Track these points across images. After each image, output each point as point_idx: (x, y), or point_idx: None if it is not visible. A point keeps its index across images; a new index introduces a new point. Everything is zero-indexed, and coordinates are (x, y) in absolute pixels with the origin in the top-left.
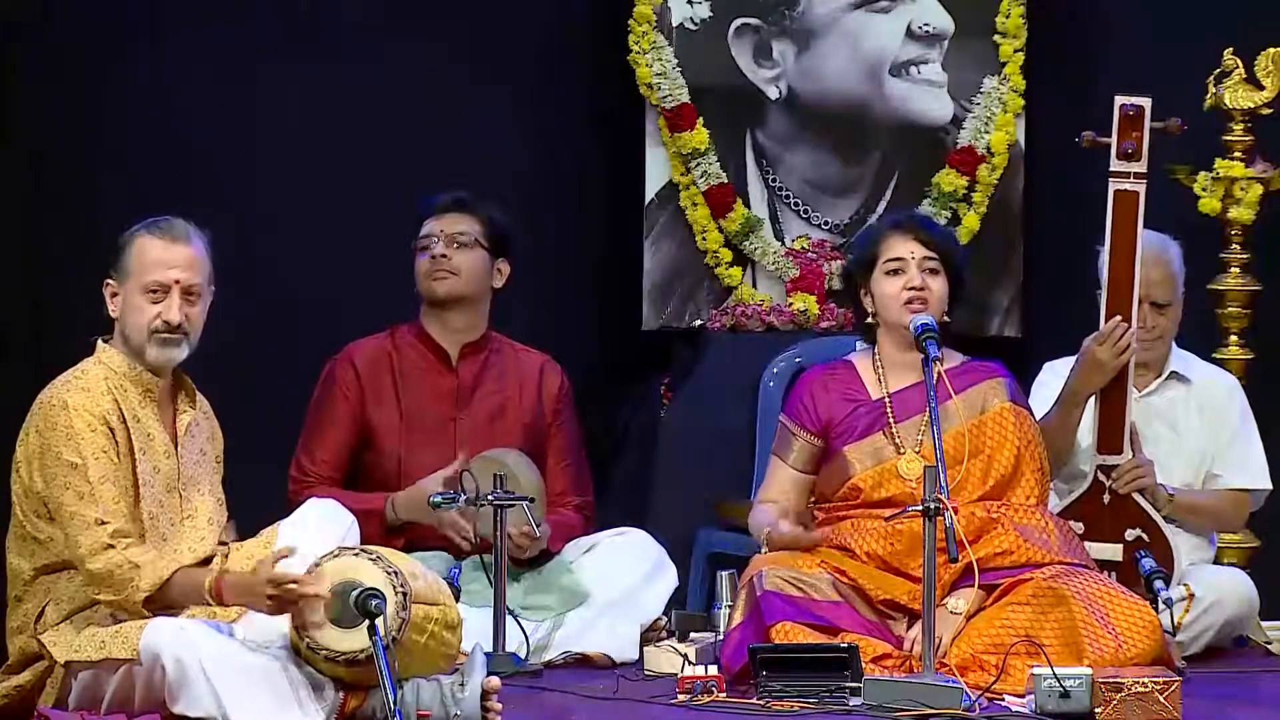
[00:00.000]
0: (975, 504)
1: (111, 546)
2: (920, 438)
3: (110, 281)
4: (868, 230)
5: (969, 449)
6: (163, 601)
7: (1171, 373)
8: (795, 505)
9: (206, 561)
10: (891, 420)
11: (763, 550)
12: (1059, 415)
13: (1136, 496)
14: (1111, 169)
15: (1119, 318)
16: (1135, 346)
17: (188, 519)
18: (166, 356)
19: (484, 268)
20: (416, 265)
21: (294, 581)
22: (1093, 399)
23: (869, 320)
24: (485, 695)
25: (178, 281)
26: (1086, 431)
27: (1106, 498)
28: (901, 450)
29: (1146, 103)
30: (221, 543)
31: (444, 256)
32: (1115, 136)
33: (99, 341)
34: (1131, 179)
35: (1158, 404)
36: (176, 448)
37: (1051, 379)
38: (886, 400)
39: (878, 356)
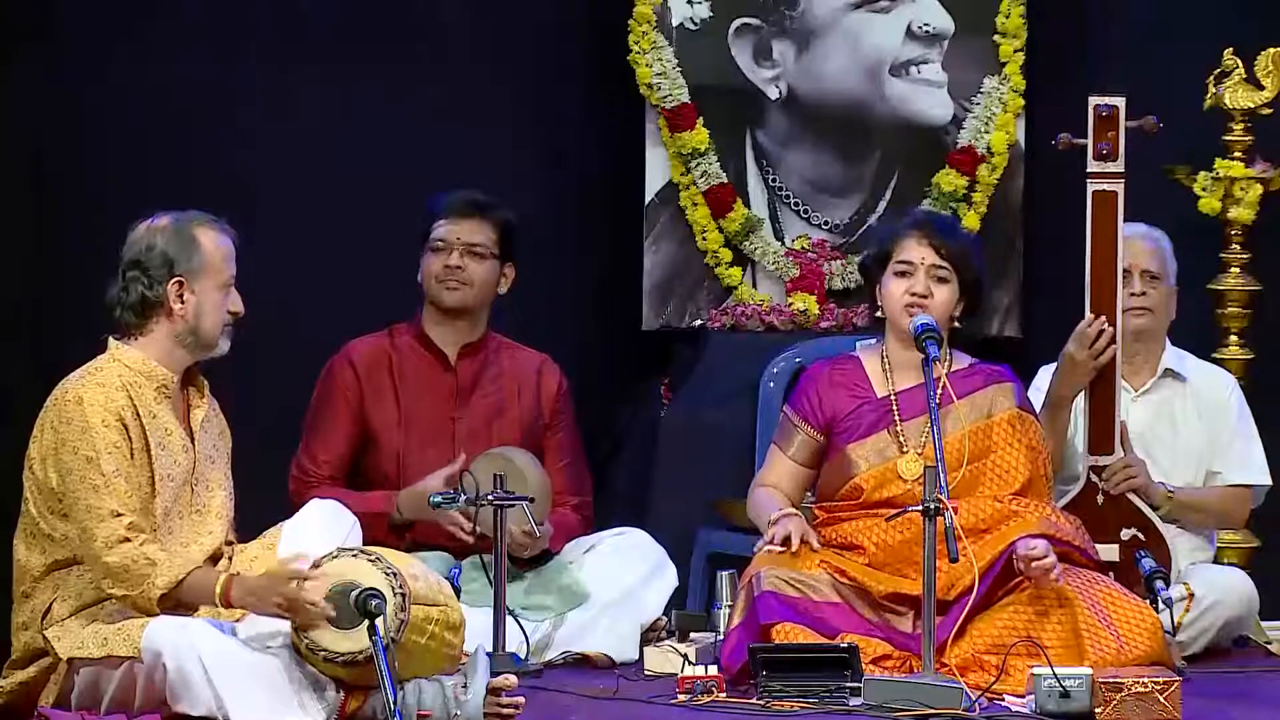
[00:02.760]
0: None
1: (128, 540)
2: (923, 438)
3: (181, 279)
4: (889, 225)
5: (973, 452)
6: (175, 600)
7: (1166, 370)
8: (791, 496)
9: (215, 559)
10: (897, 418)
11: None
12: (1045, 419)
13: (1131, 496)
14: (1089, 170)
15: (1093, 315)
16: (1117, 346)
17: (197, 512)
18: (227, 345)
19: (495, 278)
20: (425, 265)
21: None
22: (1083, 401)
23: (879, 315)
24: (496, 693)
25: (233, 274)
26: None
27: (1100, 499)
28: (904, 450)
29: (1120, 102)
30: (229, 542)
31: (459, 268)
32: (1090, 137)
33: (110, 339)
34: (1108, 179)
35: (1156, 404)
36: (193, 442)
37: (1047, 383)
38: (893, 398)
39: (885, 354)
